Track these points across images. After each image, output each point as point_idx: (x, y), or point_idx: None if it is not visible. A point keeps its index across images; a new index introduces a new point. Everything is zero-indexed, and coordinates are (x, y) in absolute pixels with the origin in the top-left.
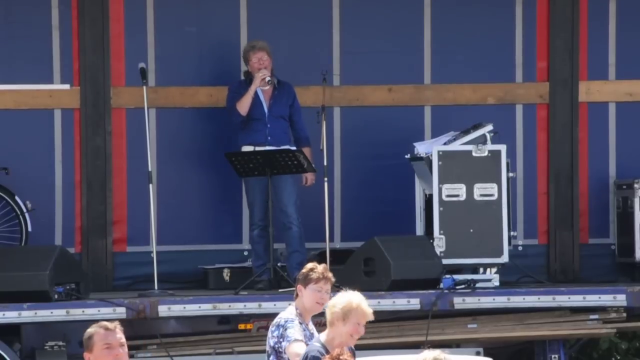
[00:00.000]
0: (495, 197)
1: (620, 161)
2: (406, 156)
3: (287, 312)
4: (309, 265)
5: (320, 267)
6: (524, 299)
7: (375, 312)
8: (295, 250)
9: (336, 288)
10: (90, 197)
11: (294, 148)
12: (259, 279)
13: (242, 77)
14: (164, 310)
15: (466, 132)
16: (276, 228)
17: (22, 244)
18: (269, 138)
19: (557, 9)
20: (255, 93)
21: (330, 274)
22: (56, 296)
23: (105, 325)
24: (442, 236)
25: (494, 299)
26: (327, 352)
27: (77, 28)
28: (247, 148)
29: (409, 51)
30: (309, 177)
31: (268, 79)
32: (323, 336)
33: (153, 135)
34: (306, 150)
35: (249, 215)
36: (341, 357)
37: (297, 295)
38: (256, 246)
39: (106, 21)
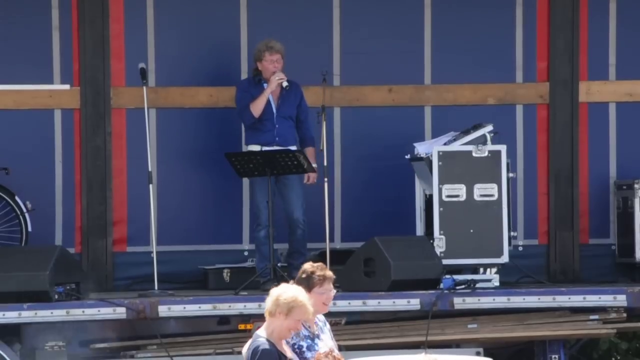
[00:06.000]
0: (495, 198)
1: (620, 161)
2: (406, 156)
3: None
4: (307, 268)
5: (319, 269)
6: (524, 299)
7: (375, 313)
8: (297, 251)
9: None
10: (90, 197)
11: (293, 148)
12: (264, 280)
13: (252, 75)
14: (164, 310)
15: (466, 132)
16: (281, 229)
17: (22, 244)
18: (277, 138)
19: (557, 10)
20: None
21: (330, 273)
22: (56, 296)
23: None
24: (442, 236)
25: (494, 299)
26: (273, 344)
27: (77, 28)
28: (254, 147)
29: (409, 51)
30: (311, 176)
31: (285, 84)
32: (263, 331)
33: (153, 136)
34: (310, 151)
35: (255, 216)
36: (333, 354)
37: None
38: (262, 247)
39: (106, 21)
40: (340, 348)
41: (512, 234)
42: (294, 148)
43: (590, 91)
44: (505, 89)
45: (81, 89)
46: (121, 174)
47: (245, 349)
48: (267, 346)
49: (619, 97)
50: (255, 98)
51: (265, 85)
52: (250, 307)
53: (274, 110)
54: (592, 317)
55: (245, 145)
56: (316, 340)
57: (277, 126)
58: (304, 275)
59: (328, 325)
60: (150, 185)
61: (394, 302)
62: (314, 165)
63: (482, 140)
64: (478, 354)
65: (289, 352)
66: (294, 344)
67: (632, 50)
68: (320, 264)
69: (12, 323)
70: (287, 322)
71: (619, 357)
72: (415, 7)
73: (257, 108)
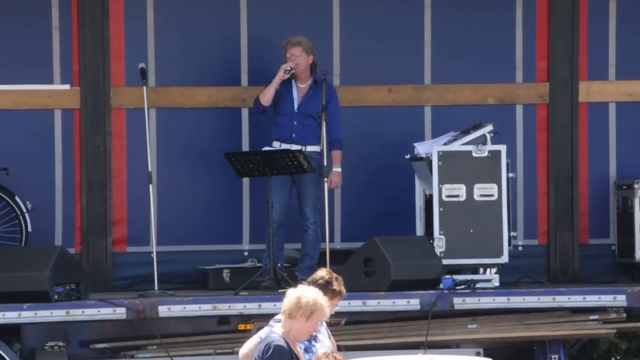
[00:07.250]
0: (495, 198)
1: (620, 161)
2: (406, 156)
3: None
4: (324, 276)
5: (337, 283)
6: (524, 299)
7: (375, 313)
8: (306, 254)
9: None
10: (90, 197)
11: (316, 148)
12: (264, 279)
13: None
14: (164, 310)
15: (466, 132)
16: (292, 229)
17: (22, 244)
18: (294, 135)
19: (557, 9)
20: (290, 89)
21: (344, 290)
22: (56, 296)
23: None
24: (442, 236)
25: (494, 299)
26: (287, 343)
27: (77, 28)
28: (275, 144)
29: (409, 51)
30: (333, 180)
31: (288, 68)
32: (278, 329)
33: (153, 136)
34: (337, 153)
35: (267, 213)
36: (334, 355)
37: None
38: (269, 244)
39: (106, 21)
40: (340, 348)
41: (512, 234)
42: (314, 148)
43: (590, 91)
44: (505, 89)
45: (81, 89)
46: (121, 174)
47: (242, 349)
48: (281, 343)
49: (618, 97)
50: (278, 90)
51: (293, 80)
52: (250, 307)
53: (295, 108)
54: (592, 317)
55: (271, 140)
56: (313, 342)
57: (295, 123)
58: (320, 281)
59: (325, 325)
60: (150, 185)
61: (393, 302)
62: (339, 169)
63: (482, 140)
64: (478, 354)
65: (301, 355)
66: None
67: (632, 50)
68: (339, 279)
69: (12, 323)
70: (308, 325)
71: (618, 357)
72: (415, 7)
73: (264, 94)
